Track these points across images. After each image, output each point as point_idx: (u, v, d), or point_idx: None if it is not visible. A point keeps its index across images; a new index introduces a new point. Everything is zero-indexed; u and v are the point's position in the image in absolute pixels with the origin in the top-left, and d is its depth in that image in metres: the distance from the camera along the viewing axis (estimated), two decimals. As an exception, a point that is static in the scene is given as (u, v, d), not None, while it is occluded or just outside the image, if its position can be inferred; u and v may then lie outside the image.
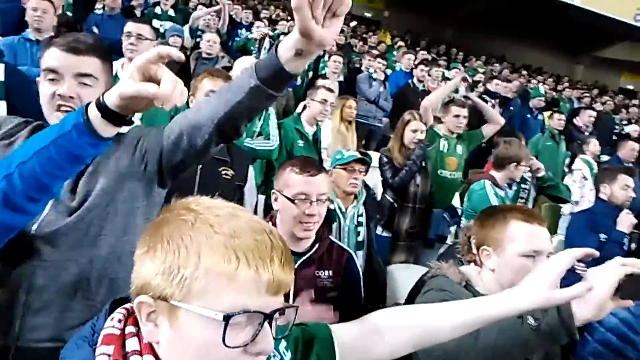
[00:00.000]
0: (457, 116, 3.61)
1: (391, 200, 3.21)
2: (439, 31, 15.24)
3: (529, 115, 6.50)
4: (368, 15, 16.54)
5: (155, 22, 5.48)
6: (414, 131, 3.23)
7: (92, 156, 0.94)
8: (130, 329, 0.70)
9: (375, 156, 4.15)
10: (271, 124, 3.12)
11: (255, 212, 2.90)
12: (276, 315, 0.69)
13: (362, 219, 2.51)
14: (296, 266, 1.53)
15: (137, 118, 2.84)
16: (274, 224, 1.68)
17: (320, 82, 4.18)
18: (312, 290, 1.60)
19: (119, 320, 0.71)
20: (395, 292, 2.61)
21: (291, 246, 1.56)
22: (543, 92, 6.87)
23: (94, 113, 0.87)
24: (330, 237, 1.79)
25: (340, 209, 2.46)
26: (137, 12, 6.00)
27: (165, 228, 0.68)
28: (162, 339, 0.67)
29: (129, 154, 1.24)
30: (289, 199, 1.60)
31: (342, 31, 9.06)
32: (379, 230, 3.22)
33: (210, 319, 0.63)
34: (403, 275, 2.73)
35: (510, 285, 1.28)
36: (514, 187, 3.24)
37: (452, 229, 3.39)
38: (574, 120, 5.92)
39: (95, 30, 4.95)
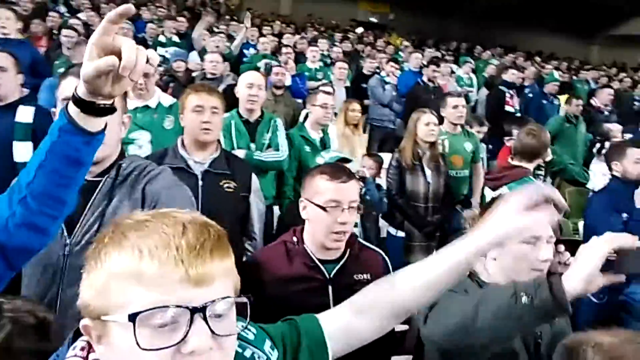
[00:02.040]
0: (456, 107, 3.56)
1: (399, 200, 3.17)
2: (446, 29, 15.14)
3: (544, 101, 6.36)
4: (373, 20, 16.57)
5: (160, 50, 5.61)
6: (427, 124, 3.19)
7: (91, 154, 0.91)
8: (93, 355, 0.67)
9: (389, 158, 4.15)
10: (279, 135, 3.13)
11: (269, 223, 2.90)
12: (216, 309, 0.63)
13: (357, 220, 2.46)
14: (332, 275, 1.58)
15: (146, 141, 2.89)
16: (301, 236, 1.64)
17: (319, 87, 4.19)
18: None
19: (82, 349, 0.69)
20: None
21: (321, 255, 1.59)
22: (557, 76, 6.72)
23: (73, 110, 0.85)
24: (360, 239, 1.75)
25: None
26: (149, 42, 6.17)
27: (91, 249, 0.67)
28: (111, 359, 0.65)
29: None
30: (320, 206, 1.56)
31: (347, 38, 9.12)
32: (392, 230, 3.18)
33: (124, 324, 0.60)
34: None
35: (514, 273, 1.28)
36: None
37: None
38: (592, 101, 5.76)
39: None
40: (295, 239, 1.64)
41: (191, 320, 0.60)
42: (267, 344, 0.84)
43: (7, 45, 3.49)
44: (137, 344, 0.58)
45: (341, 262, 1.61)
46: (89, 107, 0.84)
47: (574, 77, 9.25)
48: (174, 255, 0.60)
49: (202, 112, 2.15)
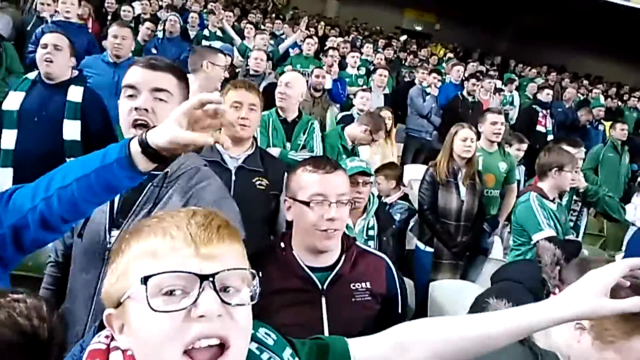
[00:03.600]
0: (494, 123, 3.48)
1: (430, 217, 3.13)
2: (492, 43, 14.87)
3: (588, 126, 6.19)
4: (419, 28, 16.43)
5: (204, 42, 5.72)
6: (464, 140, 3.13)
7: (129, 187, 0.98)
8: (115, 343, 0.70)
9: (421, 169, 4.10)
10: (315, 138, 3.15)
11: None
12: (224, 280, 0.66)
13: (373, 232, 2.36)
14: (325, 285, 1.38)
15: None
16: (289, 240, 1.46)
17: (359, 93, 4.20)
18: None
19: (106, 337, 0.71)
20: (439, 308, 2.53)
21: (313, 262, 1.40)
22: (603, 102, 6.52)
23: (135, 148, 0.91)
24: (358, 243, 1.54)
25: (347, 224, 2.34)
26: (192, 34, 6.30)
27: (114, 248, 0.73)
28: (132, 345, 0.67)
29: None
30: (303, 202, 1.38)
31: (390, 45, 9.07)
32: (421, 245, 3.14)
33: (140, 294, 0.64)
34: (446, 291, 2.65)
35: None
36: (565, 198, 3.03)
37: (495, 240, 3.24)
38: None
39: (154, 51, 5.23)
40: (282, 244, 1.45)
41: (201, 288, 0.63)
42: (287, 351, 0.83)
43: (67, 29, 3.66)
44: (149, 306, 0.62)
45: (335, 270, 1.40)
46: (150, 153, 0.90)
47: (622, 104, 8.93)
48: (185, 232, 0.66)
49: (240, 108, 2.18)
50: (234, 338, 0.65)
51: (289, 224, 1.61)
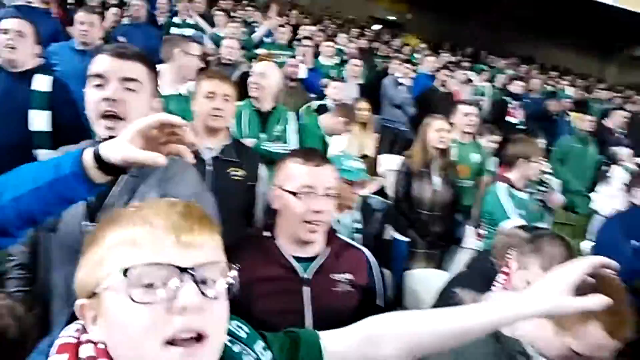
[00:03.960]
0: (467, 114, 3.53)
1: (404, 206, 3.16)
2: (463, 33, 15.03)
3: (556, 117, 6.35)
4: (391, 18, 16.45)
5: (174, 30, 5.56)
6: (438, 130, 3.16)
7: (84, 198, 0.95)
8: (86, 336, 0.68)
9: (395, 160, 4.13)
10: (290, 128, 3.13)
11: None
12: (205, 273, 0.66)
13: (360, 225, 2.37)
14: (307, 275, 1.41)
15: None
16: (272, 230, 1.49)
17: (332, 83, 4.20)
18: None
19: (76, 330, 0.70)
20: (413, 296, 2.56)
21: (297, 252, 1.43)
22: (571, 93, 6.70)
23: (89, 163, 0.87)
24: (340, 235, 1.58)
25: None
26: (160, 20, 6.11)
27: (88, 236, 0.71)
28: (105, 337, 0.66)
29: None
30: (291, 193, 1.40)
31: (364, 35, 9.06)
32: (397, 235, 3.17)
33: (119, 285, 0.63)
34: (419, 279, 2.69)
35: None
36: (530, 188, 3.12)
37: (468, 230, 3.30)
38: (604, 122, 5.73)
39: (122, 39, 5.06)
40: (266, 233, 1.48)
41: (181, 280, 0.63)
42: (260, 344, 0.84)
43: (30, 14, 3.48)
44: (131, 297, 0.61)
45: (316, 262, 1.44)
46: (106, 166, 0.87)
47: (588, 95, 9.19)
48: (166, 221, 0.65)
49: (214, 98, 2.15)
50: (211, 330, 0.65)
51: (269, 215, 1.61)
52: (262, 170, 2.32)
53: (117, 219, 0.68)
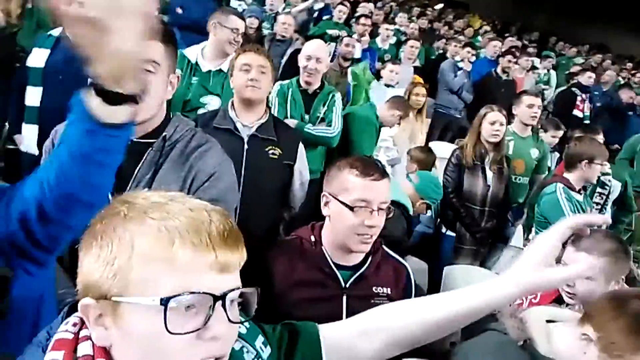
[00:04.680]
0: (531, 106, 3.32)
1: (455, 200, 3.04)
2: (532, 17, 14.17)
3: (630, 113, 5.90)
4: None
5: (234, 2, 5.56)
6: (493, 123, 3.00)
7: (114, 149, 0.81)
8: (85, 332, 0.66)
9: (447, 147, 3.99)
10: (335, 111, 3.04)
11: (313, 197, 2.89)
12: (232, 297, 0.64)
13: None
14: (349, 284, 1.44)
15: (216, 106, 2.71)
16: (319, 234, 1.49)
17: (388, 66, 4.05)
18: None
19: (74, 324, 0.67)
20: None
21: (340, 259, 1.45)
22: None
23: (92, 100, 0.75)
24: (384, 247, 1.57)
25: None
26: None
27: (98, 224, 0.64)
28: (114, 341, 0.64)
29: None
30: (346, 205, 1.39)
31: (425, 14, 8.72)
32: (443, 229, 3.08)
33: (150, 307, 0.59)
34: (458, 275, 2.60)
35: None
36: (589, 190, 2.91)
37: (518, 229, 3.14)
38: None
39: (179, 10, 5.11)
40: (313, 238, 1.48)
41: (213, 307, 0.61)
42: (260, 339, 0.83)
43: None
44: (167, 327, 0.59)
45: (360, 270, 1.46)
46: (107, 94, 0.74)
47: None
48: (206, 240, 0.61)
49: (249, 70, 2.12)
50: (228, 351, 0.66)
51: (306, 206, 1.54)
52: (301, 149, 2.29)
53: (144, 219, 0.62)
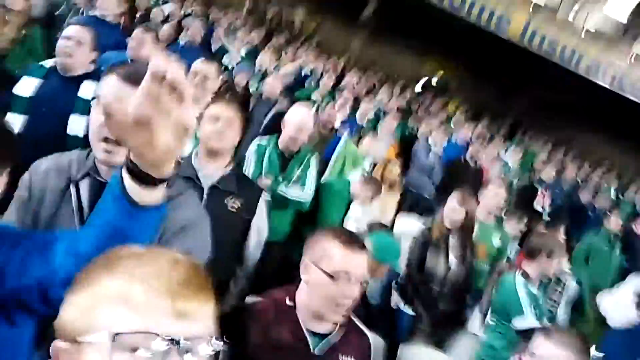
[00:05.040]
0: (496, 195, 3.49)
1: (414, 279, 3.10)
2: (505, 106, 15.03)
3: (589, 214, 6.23)
4: (434, 81, 16.64)
5: (226, 58, 5.74)
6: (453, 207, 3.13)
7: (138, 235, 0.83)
8: None
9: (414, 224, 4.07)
10: (309, 174, 3.09)
11: (278, 259, 2.89)
12: (191, 346, 0.64)
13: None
14: (317, 350, 1.47)
15: None
16: (293, 297, 1.53)
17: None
18: None
19: None
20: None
21: (311, 325, 1.48)
22: (612, 194, 6.60)
23: (126, 179, 0.78)
24: (352, 317, 1.61)
25: None
26: (214, 47, 6.33)
27: (81, 275, 0.68)
28: None
29: None
30: (327, 274, 1.43)
31: (404, 93, 9.15)
32: (401, 304, 3.09)
33: (100, 345, 0.61)
34: (414, 357, 2.58)
35: None
36: (545, 284, 3.01)
37: (475, 315, 3.18)
38: (633, 226, 5.56)
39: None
40: (289, 302, 1.52)
41: (168, 352, 0.62)
42: None
43: (99, 25, 3.61)
44: None
45: (329, 339, 1.50)
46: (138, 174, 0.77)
47: (620, 197, 9.00)
48: (164, 285, 0.64)
49: (217, 121, 2.14)
50: None
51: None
52: (261, 206, 2.27)
53: (114, 266, 0.66)
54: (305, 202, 3.03)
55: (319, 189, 3.25)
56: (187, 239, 1.34)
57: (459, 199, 3.13)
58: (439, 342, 3.08)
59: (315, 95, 5.87)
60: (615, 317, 3.17)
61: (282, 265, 2.96)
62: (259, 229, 2.27)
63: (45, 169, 1.37)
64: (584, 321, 3.65)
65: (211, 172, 2.15)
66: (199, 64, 2.91)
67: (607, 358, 2.75)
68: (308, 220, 3.16)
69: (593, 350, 3.43)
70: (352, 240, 1.49)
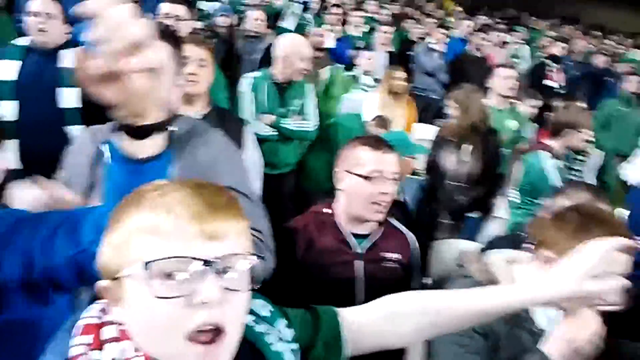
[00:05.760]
0: (507, 77, 3.37)
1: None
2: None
3: (606, 78, 6.00)
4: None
5: (201, 4, 5.51)
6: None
7: None
8: (109, 317, 0.69)
9: (430, 129, 4.01)
10: (309, 103, 3.05)
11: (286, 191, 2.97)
12: (227, 264, 0.65)
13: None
14: (359, 249, 1.61)
15: None
16: (333, 210, 1.65)
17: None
18: None
19: (101, 310, 0.70)
20: (438, 266, 2.52)
21: (353, 228, 1.62)
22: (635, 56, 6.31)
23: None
24: (389, 219, 1.73)
25: None
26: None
27: (112, 212, 0.69)
28: (126, 319, 0.67)
29: None
30: (362, 176, 1.56)
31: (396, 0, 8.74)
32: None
33: (138, 275, 0.63)
34: (444, 249, 2.63)
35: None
36: (567, 155, 2.95)
37: (499, 200, 3.18)
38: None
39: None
40: (328, 210, 1.66)
41: (204, 272, 0.63)
42: (282, 322, 0.84)
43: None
44: (152, 292, 0.62)
45: (370, 237, 1.63)
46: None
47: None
48: (190, 210, 0.64)
49: (188, 63, 2.03)
50: (229, 324, 0.65)
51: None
52: (247, 136, 2.19)
53: (140, 200, 0.66)
54: (311, 132, 3.02)
55: (330, 128, 3.21)
56: (218, 174, 1.31)
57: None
58: (466, 233, 3.11)
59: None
60: (637, 176, 3.15)
61: (294, 195, 3.06)
62: (253, 162, 2.21)
63: (79, 141, 1.41)
64: (608, 187, 3.63)
65: (191, 113, 2.04)
66: (167, 5, 2.80)
67: (634, 213, 2.74)
68: (315, 149, 3.16)
69: (618, 211, 3.43)
70: (380, 142, 1.63)
